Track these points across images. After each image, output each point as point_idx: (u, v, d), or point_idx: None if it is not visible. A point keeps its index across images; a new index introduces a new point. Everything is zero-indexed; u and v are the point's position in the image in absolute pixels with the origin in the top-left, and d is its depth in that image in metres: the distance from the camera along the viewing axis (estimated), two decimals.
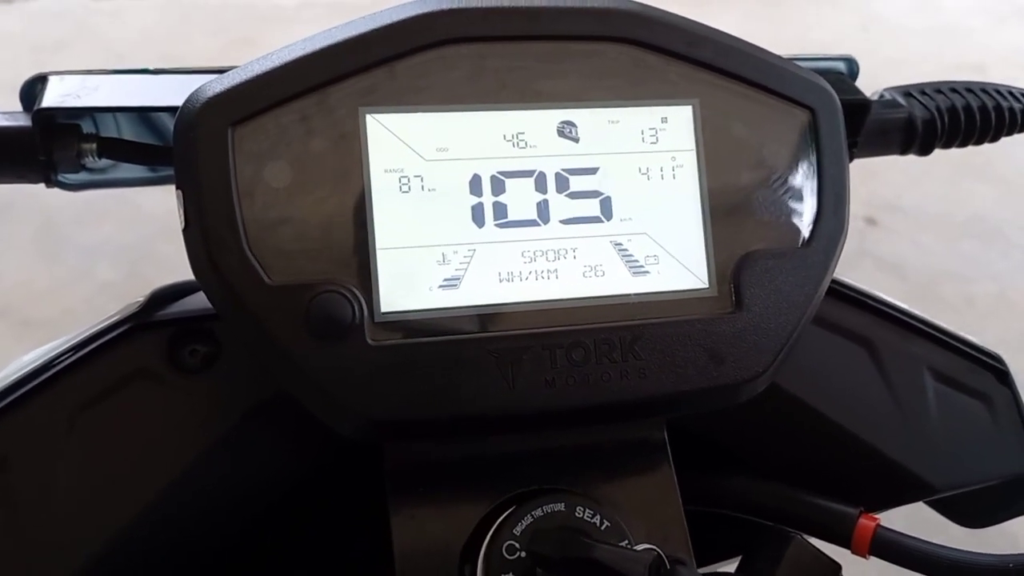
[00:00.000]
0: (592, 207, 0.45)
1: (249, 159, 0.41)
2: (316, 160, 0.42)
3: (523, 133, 0.45)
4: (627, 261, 0.45)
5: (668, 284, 0.45)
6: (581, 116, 0.45)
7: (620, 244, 0.45)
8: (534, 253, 0.44)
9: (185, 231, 0.41)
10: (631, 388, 0.44)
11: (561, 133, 0.45)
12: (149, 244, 2.63)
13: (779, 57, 0.48)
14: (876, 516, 0.53)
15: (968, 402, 0.59)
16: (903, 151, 0.61)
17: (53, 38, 3.80)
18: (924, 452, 0.57)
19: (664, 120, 0.46)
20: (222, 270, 0.40)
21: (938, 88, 0.61)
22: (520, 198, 0.44)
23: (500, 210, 0.44)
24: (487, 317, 0.43)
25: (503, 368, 0.42)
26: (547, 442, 0.47)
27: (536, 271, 0.44)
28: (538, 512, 0.44)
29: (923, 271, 2.80)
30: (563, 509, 0.44)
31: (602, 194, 0.45)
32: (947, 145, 0.61)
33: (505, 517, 0.44)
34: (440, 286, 0.43)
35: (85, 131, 0.49)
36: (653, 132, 0.46)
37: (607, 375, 0.43)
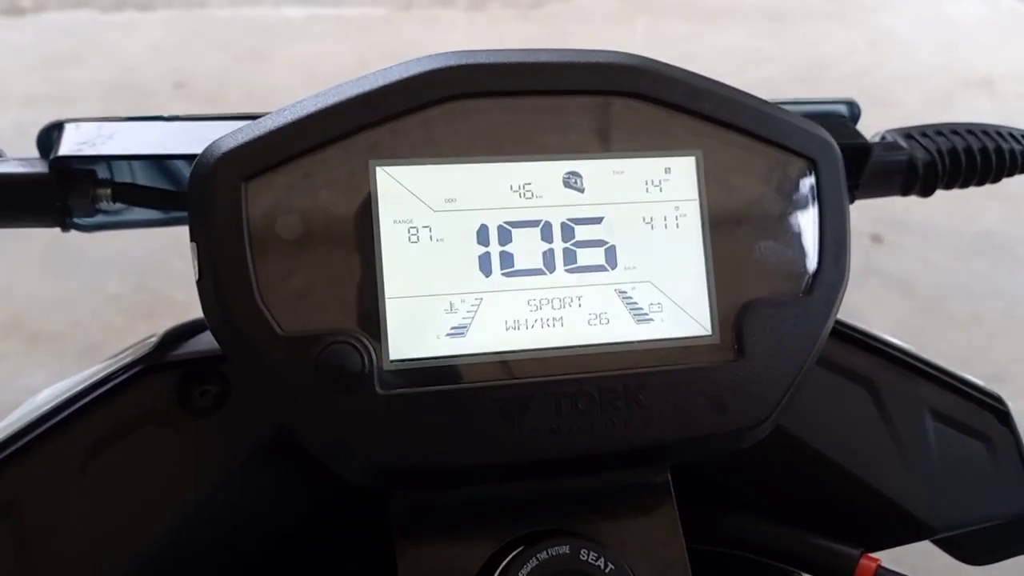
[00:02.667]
0: (597, 256, 0.46)
1: (261, 213, 0.42)
2: (327, 212, 0.43)
3: (529, 184, 0.46)
4: (631, 309, 0.46)
5: (672, 332, 0.46)
6: (586, 167, 0.46)
7: (624, 292, 0.46)
8: (540, 301, 0.45)
9: (199, 282, 0.42)
10: (635, 436, 0.44)
11: (567, 184, 0.46)
12: (158, 258, 2.64)
13: (779, 108, 0.49)
14: (877, 557, 0.54)
15: (969, 443, 0.60)
16: (904, 192, 0.62)
17: (64, 52, 3.83)
18: (924, 493, 0.58)
19: (667, 171, 0.47)
20: (234, 320, 0.41)
21: (939, 130, 0.62)
22: (526, 247, 0.45)
23: (507, 259, 0.45)
24: (494, 365, 0.44)
25: (509, 416, 0.43)
26: (551, 486, 0.47)
27: (542, 319, 0.45)
28: (543, 555, 0.44)
29: (931, 288, 2.80)
30: (568, 552, 0.45)
31: (607, 243, 0.46)
32: (948, 186, 0.62)
33: (510, 560, 0.44)
34: (448, 334, 0.44)
35: (100, 176, 0.51)
36: (657, 182, 0.47)
37: (612, 423, 0.44)
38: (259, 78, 3.73)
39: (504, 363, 0.44)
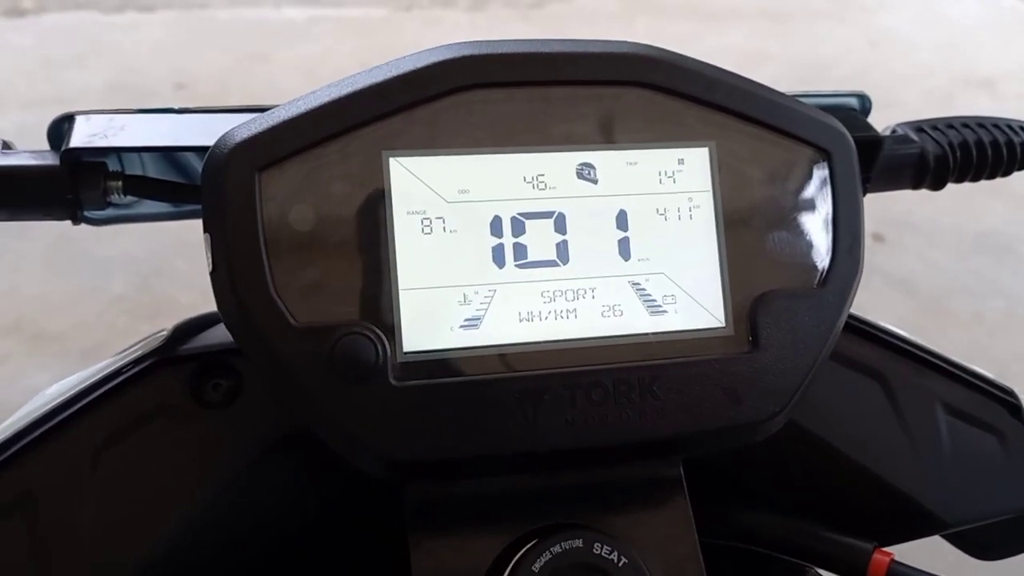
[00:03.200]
0: (610, 247, 0.46)
1: (275, 203, 0.42)
2: (340, 203, 0.42)
3: (543, 175, 0.45)
4: (645, 301, 0.46)
5: (686, 323, 0.46)
6: (599, 158, 0.46)
7: (638, 284, 0.46)
8: (553, 293, 0.45)
9: (213, 274, 0.42)
10: (650, 428, 0.44)
11: (580, 175, 0.46)
12: (162, 258, 2.64)
13: (793, 99, 0.49)
14: (890, 551, 0.53)
15: (981, 436, 0.59)
16: (915, 186, 0.61)
17: (66, 52, 3.83)
18: (936, 487, 0.58)
19: (681, 162, 0.47)
20: (248, 312, 0.41)
21: (950, 123, 0.62)
22: (540, 239, 0.45)
23: (520, 251, 0.45)
24: (508, 357, 0.44)
25: (524, 408, 0.43)
26: (565, 479, 0.47)
27: (555, 311, 0.45)
28: (556, 548, 0.44)
29: (932, 287, 2.80)
30: (581, 545, 0.44)
31: (620, 234, 0.46)
32: (959, 180, 0.61)
33: (524, 553, 0.44)
34: (461, 326, 0.43)
35: (111, 169, 0.50)
36: (670, 173, 0.47)
37: (626, 415, 0.44)
38: (260, 79, 3.73)
39: (518, 355, 0.44)
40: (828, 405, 0.57)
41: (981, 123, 0.62)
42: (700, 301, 0.46)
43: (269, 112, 0.43)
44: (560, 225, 0.45)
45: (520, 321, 0.44)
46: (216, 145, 0.43)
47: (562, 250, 0.45)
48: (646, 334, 0.45)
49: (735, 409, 0.45)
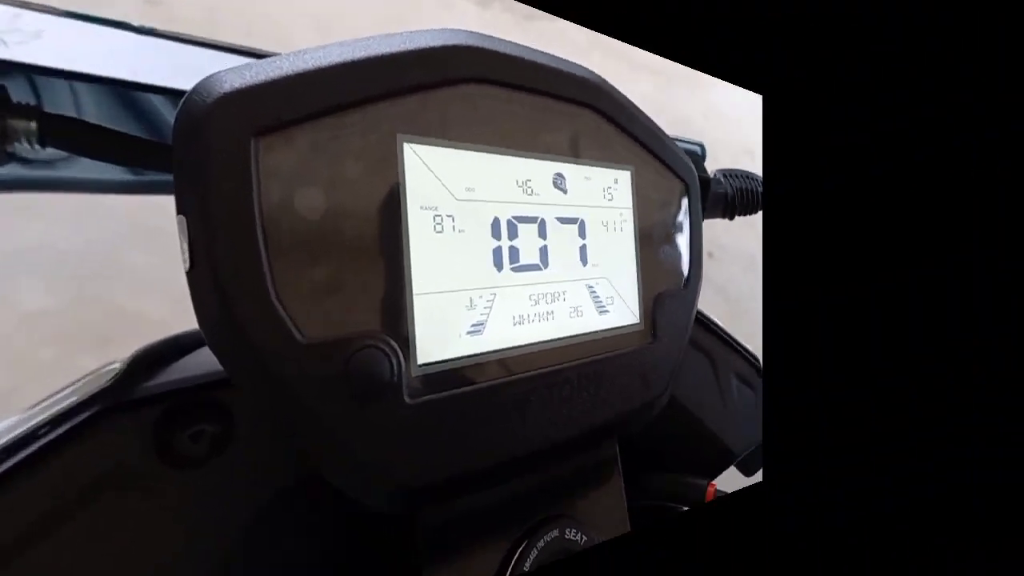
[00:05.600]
0: (576, 253, 0.30)
1: (278, 181, 0.20)
2: (353, 188, 0.21)
3: (530, 180, 0.28)
4: (596, 302, 0.31)
5: (619, 321, 0.31)
6: (568, 170, 0.30)
7: (592, 287, 0.30)
8: (538, 296, 0.28)
9: (190, 273, 0.19)
10: (599, 415, 0.29)
11: (555, 184, 0.29)
12: (106, 251, 1.00)
13: (673, 140, 0.36)
14: (714, 483, 0.43)
15: (749, 393, 0.51)
16: (723, 216, 0.51)
17: None
18: (733, 429, 0.48)
19: (616, 181, 0.32)
20: (242, 326, 0.19)
21: (734, 173, 0.52)
22: (528, 243, 0.28)
23: (514, 254, 0.27)
24: (504, 361, 0.26)
25: (517, 411, 0.26)
26: (540, 474, 0.30)
27: (539, 313, 0.28)
28: (541, 543, 0.28)
29: (738, 293, 2.69)
30: (557, 534, 0.28)
31: (581, 242, 0.30)
32: (742, 214, 0.52)
33: (519, 556, 0.27)
34: (468, 332, 0.25)
35: (16, 100, 0.22)
36: (610, 190, 0.32)
37: (584, 406, 0.28)
38: (258, 14, 1.78)
39: (512, 359, 0.26)
40: (682, 376, 0.45)
41: (747, 175, 0.53)
42: (627, 302, 0.32)
43: (268, 60, 0.20)
44: (542, 230, 0.28)
45: (514, 324, 0.27)
46: (196, 89, 0.19)
47: (543, 254, 0.28)
48: (596, 331, 0.30)
49: (647, 390, 0.32)
